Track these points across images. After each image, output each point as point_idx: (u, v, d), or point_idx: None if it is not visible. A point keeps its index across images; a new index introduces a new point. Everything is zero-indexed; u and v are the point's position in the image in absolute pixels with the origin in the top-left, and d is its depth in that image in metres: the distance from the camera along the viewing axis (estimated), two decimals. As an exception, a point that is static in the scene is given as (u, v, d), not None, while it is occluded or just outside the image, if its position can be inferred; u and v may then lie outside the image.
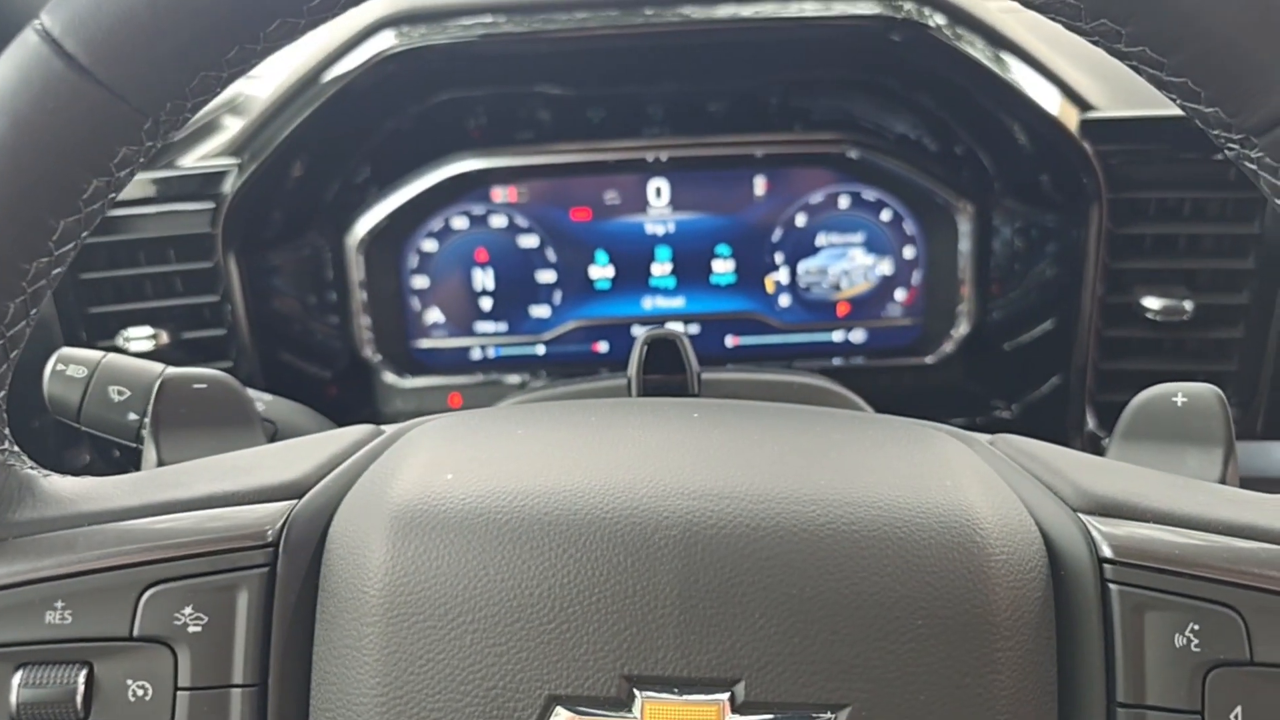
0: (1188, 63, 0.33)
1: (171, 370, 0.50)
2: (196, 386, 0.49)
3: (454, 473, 0.39)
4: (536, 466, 0.38)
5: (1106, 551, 0.35)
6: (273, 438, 0.61)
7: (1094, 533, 0.36)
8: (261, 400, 0.63)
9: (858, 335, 0.97)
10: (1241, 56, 0.32)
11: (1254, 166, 0.34)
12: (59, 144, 0.34)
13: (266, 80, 0.85)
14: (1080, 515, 0.37)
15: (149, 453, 0.48)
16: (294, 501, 0.39)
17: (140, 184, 0.82)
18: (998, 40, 0.78)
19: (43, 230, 0.35)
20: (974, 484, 0.39)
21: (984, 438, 0.47)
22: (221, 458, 0.44)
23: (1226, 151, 0.35)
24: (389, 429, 0.47)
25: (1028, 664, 0.34)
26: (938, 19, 0.77)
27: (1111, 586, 0.35)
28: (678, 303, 0.97)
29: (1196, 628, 0.34)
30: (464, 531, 0.36)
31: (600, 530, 0.35)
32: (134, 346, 0.82)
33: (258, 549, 0.36)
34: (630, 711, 0.33)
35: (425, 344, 0.98)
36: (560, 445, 0.40)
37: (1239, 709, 0.33)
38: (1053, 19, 0.37)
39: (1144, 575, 0.34)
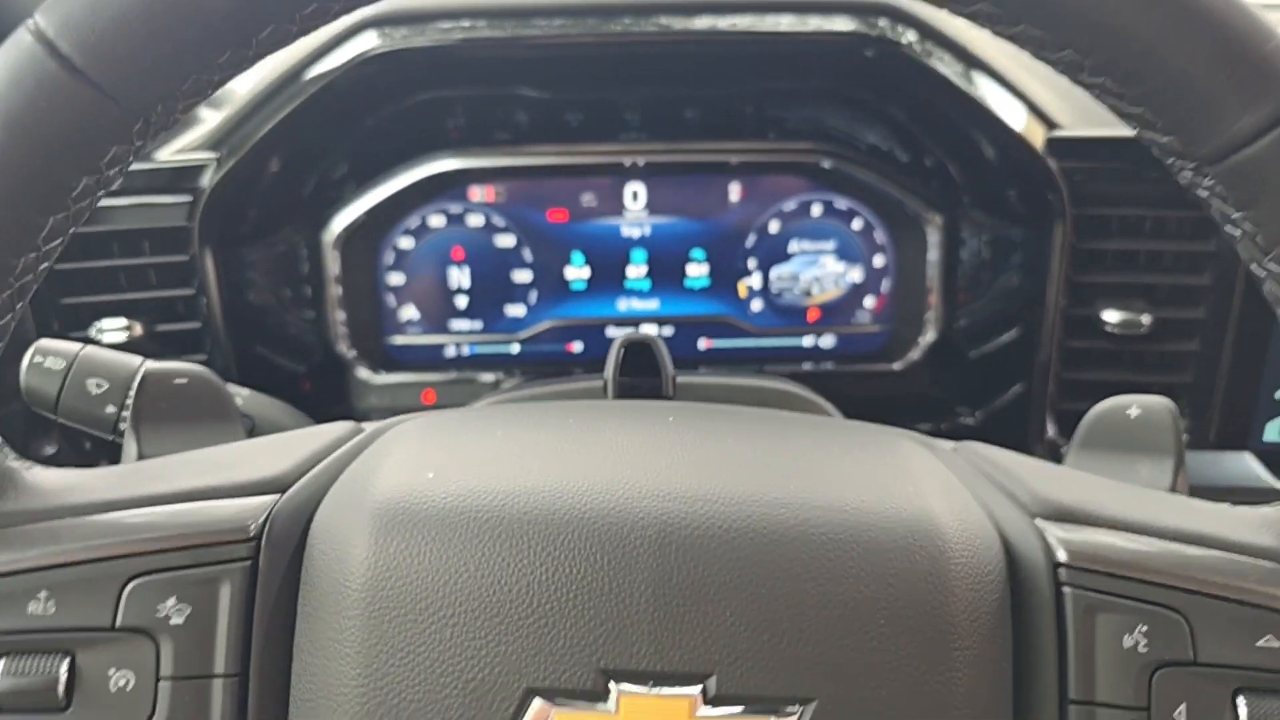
0: (1145, 95, 0.34)
1: (152, 365, 0.50)
2: (177, 381, 0.50)
3: (435, 471, 0.39)
4: (516, 467, 0.39)
5: (1061, 556, 0.36)
6: (251, 433, 0.61)
7: (1049, 538, 0.37)
8: (240, 395, 0.63)
9: (827, 340, 0.99)
10: (1194, 91, 0.34)
11: (1206, 194, 0.36)
12: (50, 143, 0.34)
13: (245, 76, 0.85)
14: (1037, 521, 0.38)
15: (129, 447, 0.48)
16: (277, 496, 0.39)
17: (115, 175, 0.81)
18: (967, 58, 0.80)
19: (31, 228, 0.35)
20: (936, 490, 0.40)
21: (948, 445, 0.48)
22: (204, 452, 0.44)
23: (1180, 179, 0.36)
24: (369, 426, 0.47)
25: (985, 662, 0.35)
26: (909, 36, 0.79)
27: (1065, 589, 0.36)
28: (652, 305, 0.98)
29: (1145, 629, 0.35)
30: (445, 529, 0.36)
31: (578, 530, 0.36)
32: (107, 338, 0.81)
33: (240, 543, 0.37)
34: (606, 704, 0.34)
35: (399, 340, 0.98)
36: (539, 446, 0.41)
37: (1183, 706, 0.35)
38: (1022, 47, 0.38)
39: (1096, 579, 0.36)
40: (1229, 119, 0.33)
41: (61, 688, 0.35)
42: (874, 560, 0.35)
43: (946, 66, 0.79)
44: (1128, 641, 0.35)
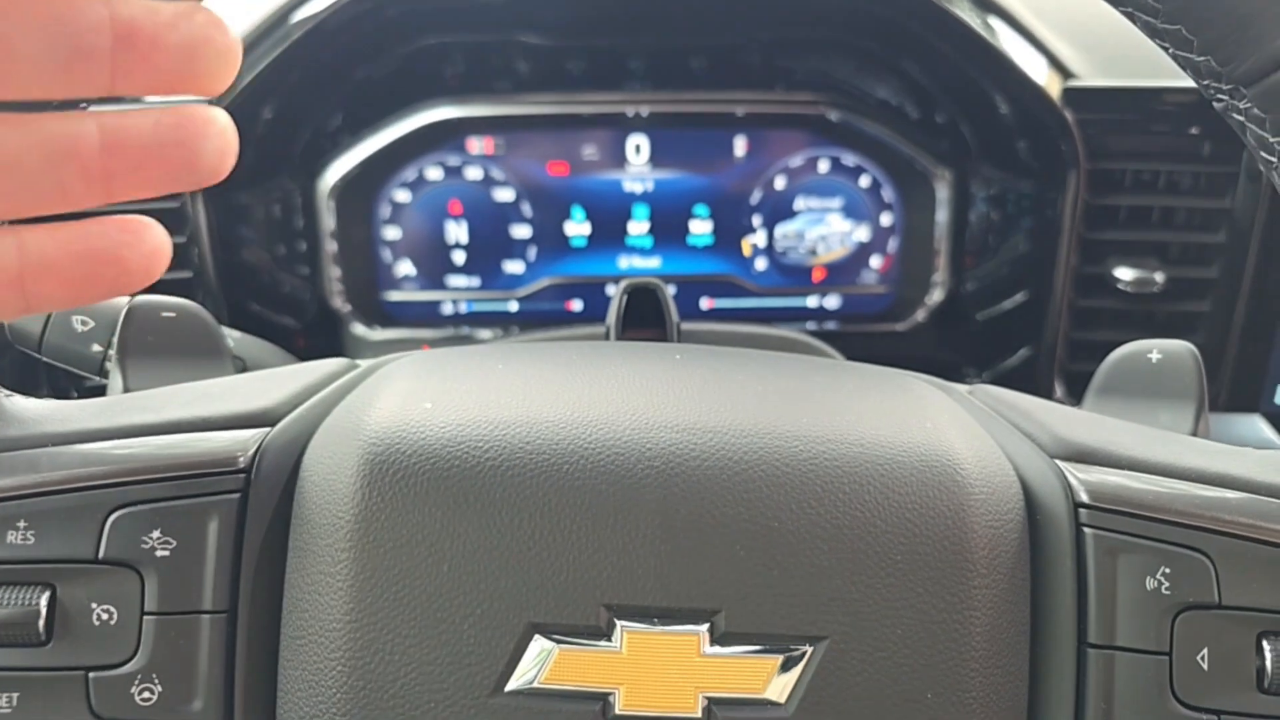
0: (1181, 10, 0.33)
1: (140, 297, 0.49)
2: (165, 315, 0.48)
3: (432, 402, 0.38)
4: (517, 398, 0.38)
5: (1082, 496, 0.35)
6: (241, 373, 0.60)
7: (1070, 479, 0.36)
8: (231, 337, 0.61)
9: (832, 301, 0.97)
10: (1232, 6, 0.32)
11: (1241, 118, 0.34)
12: None
13: (233, 19, 0.83)
14: (1057, 462, 0.37)
15: (115, 381, 0.47)
16: (267, 429, 0.38)
17: (105, 119, 0.79)
18: (985, 3, 0.78)
19: None
20: (954, 428, 0.39)
21: (962, 388, 0.47)
22: (192, 385, 0.43)
23: (1215, 103, 0.35)
24: (364, 363, 0.46)
25: (1002, 603, 0.34)
26: (927, -21, 0.77)
27: (1086, 530, 0.35)
28: (654, 263, 0.96)
29: (1167, 571, 0.34)
30: (441, 461, 0.35)
31: (582, 460, 0.34)
32: (96, 287, 0.80)
33: (229, 474, 0.35)
34: (611, 641, 0.33)
35: (395, 296, 0.96)
36: (542, 379, 0.40)
37: (1206, 650, 0.34)
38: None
39: (1117, 520, 0.35)
40: (1268, 36, 0.32)
41: (42, 621, 0.33)
42: (890, 494, 0.34)
43: (965, 13, 0.77)
44: (1150, 584, 0.34)
